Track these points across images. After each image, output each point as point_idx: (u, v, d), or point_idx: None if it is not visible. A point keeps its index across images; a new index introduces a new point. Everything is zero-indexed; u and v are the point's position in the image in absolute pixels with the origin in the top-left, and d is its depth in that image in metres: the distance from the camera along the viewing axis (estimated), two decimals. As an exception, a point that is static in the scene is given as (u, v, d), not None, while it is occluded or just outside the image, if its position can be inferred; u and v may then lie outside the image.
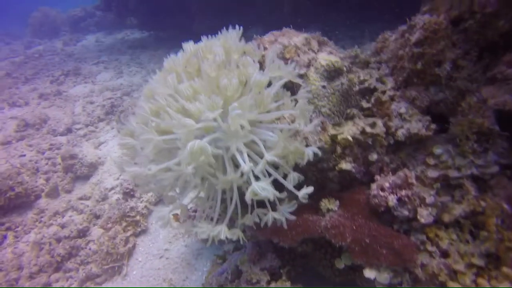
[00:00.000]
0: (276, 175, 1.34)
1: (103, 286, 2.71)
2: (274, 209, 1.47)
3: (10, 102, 5.94)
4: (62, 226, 3.40)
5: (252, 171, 1.22)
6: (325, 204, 1.68)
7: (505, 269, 1.17)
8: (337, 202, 1.69)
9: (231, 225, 1.56)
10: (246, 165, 1.13)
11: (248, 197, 1.10)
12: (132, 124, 1.30)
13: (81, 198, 3.72)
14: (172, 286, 2.49)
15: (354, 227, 1.58)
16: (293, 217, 1.47)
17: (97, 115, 5.23)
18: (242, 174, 1.22)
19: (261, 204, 1.51)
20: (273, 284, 1.79)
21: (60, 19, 13.10)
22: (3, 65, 8.66)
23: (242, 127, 1.21)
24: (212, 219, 1.41)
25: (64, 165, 4.02)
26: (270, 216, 1.38)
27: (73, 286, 2.87)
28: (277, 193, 1.27)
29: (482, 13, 1.59)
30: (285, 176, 1.44)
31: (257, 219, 1.46)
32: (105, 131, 4.88)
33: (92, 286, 2.77)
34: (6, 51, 10.62)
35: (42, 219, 3.52)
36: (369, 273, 1.53)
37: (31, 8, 13.62)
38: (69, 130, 4.97)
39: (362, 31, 6.82)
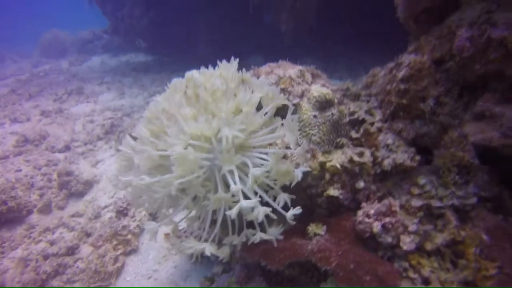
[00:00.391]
0: (265, 196, 1.41)
1: (91, 286, 2.66)
2: (263, 230, 1.52)
3: (12, 118, 6.03)
4: (51, 243, 3.36)
5: (242, 191, 1.28)
6: (312, 228, 1.72)
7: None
8: (324, 227, 1.74)
9: (220, 245, 1.60)
10: (236, 185, 1.20)
11: (233, 212, 1.15)
12: (130, 141, 1.38)
13: (73, 215, 3.71)
14: (170, 286, 2.45)
15: (339, 252, 1.62)
16: (281, 237, 1.52)
17: (97, 134, 5.31)
18: (233, 196, 1.28)
19: (250, 225, 1.56)
20: (259, 308, 1.79)
21: (69, 41, 13.59)
22: (9, 82, 8.87)
23: (235, 149, 1.29)
24: (201, 238, 1.45)
25: (60, 181, 4.04)
26: (258, 236, 1.43)
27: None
28: (267, 210, 1.32)
29: (460, 57, 1.73)
30: (275, 199, 1.50)
31: (245, 239, 1.50)
32: (103, 150, 4.94)
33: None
34: (14, 68, 10.90)
35: (32, 235, 3.49)
36: (353, 299, 1.55)
37: (42, 29, 14.16)
38: (67, 148, 5.03)
39: (359, 63, 7.13)
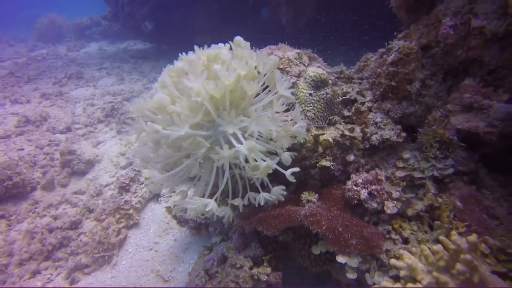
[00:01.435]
0: (265, 157, 1.55)
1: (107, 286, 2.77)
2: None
3: (12, 99, 6.09)
4: (55, 218, 3.50)
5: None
6: (305, 196, 1.89)
7: (440, 237, 1.39)
8: (317, 195, 1.90)
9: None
10: (239, 146, 1.35)
11: (240, 158, 1.28)
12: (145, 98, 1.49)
13: (76, 193, 3.85)
14: (174, 286, 2.57)
15: (330, 216, 1.79)
16: (283, 196, 1.66)
17: (97, 117, 5.42)
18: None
19: (252, 189, 1.71)
20: (255, 270, 1.96)
21: (65, 26, 13.52)
22: (6, 65, 8.86)
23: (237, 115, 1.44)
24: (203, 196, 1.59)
25: (62, 160, 4.16)
26: (262, 196, 1.57)
27: (61, 275, 2.97)
28: (275, 161, 1.45)
29: (445, 43, 1.89)
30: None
31: (247, 202, 1.66)
32: (104, 132, 5.05)
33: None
34: (10, 52, 10.85)
35: (36, 210, 3.63)
36: (341, 259, 1.72)
37: (38, 14, 14.02)
38: (68, 129, 5.13)
39: (357, 57, 7.26)
